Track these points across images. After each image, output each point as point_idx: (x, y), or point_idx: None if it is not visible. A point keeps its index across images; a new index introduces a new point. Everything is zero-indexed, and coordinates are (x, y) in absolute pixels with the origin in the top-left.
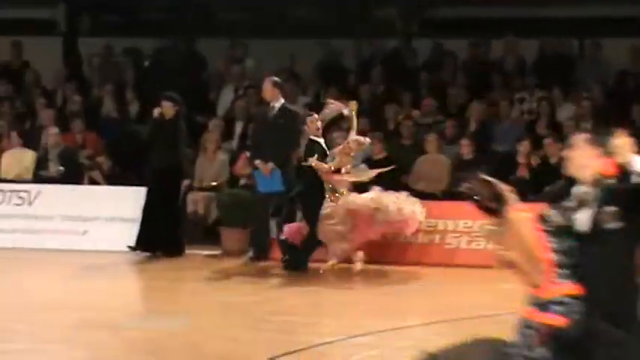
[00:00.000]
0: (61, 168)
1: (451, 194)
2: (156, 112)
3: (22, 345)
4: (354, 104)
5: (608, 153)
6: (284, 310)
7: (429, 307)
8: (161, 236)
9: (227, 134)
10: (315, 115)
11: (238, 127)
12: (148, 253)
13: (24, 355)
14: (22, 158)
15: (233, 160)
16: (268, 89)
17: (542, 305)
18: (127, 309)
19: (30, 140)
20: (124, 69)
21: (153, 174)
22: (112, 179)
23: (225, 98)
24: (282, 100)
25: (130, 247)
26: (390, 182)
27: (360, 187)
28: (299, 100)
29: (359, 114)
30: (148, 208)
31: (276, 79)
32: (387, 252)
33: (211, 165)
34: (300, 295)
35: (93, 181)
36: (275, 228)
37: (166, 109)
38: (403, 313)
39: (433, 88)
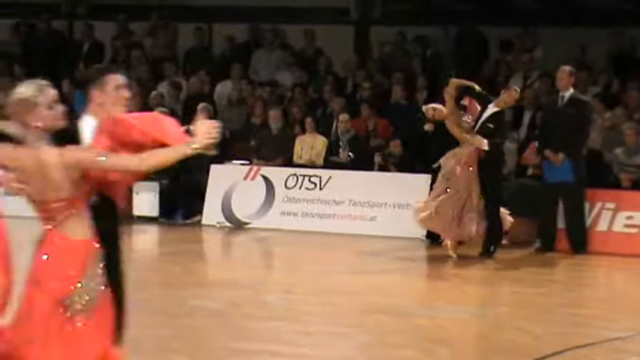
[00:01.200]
0: (351, 154)
1: None
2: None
3: (313, 327)
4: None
5: None
6: (573, 303)
7: None
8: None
9: (515, 123)
10: None
11: (527, 116)
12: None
13: (317, 337)
14: (315, 144)
15: (521, 149)
16: (564, 78)
17: None
18: (415, 296)
19: (322, 126)
20: (414, 57)
21: None
22: (402, 166)
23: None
24: (572, 90)
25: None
26: None
27: None
28: (589, 90)
29: None
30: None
31: (570, 68)
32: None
33: None
34: (588, 288)
35: (382, 168)
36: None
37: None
38: None
39: None
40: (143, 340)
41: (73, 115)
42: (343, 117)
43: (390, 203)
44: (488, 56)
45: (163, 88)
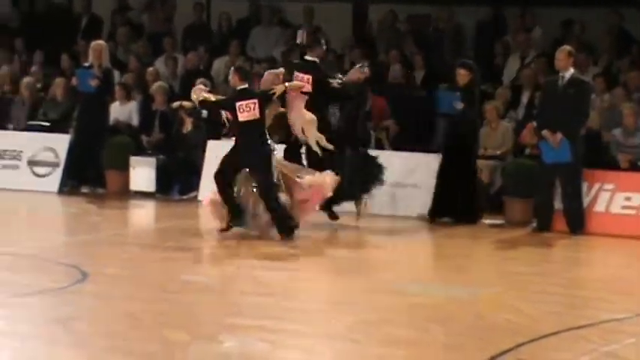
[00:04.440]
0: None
1: None
2: None
3: (303, 304)
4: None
5: None
6: (570, 284)
7: None
8: (457, 203)
9: (513, 103)
10: None
11: (525, 96)
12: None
13: (311, 314)
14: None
15: (518, 129)
16: (562, 58)
17: None
18: (411, 274)
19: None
20: (411, 35)
21: (447, 140)
22: (398, 144)
23: (511, 66)
24: (572, 70)
25: (426, 216)
26: None
27: None
28: (589, 70)
29: None
30: (443, 174)
31: (569, 48)
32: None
33: (495, 133)
34: (585, 269)
35: (381, 146)
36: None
37: (461, 76)
38: None
39: None
40: (140, 314)
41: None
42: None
43: (387, 181)
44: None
45: (160, 63)
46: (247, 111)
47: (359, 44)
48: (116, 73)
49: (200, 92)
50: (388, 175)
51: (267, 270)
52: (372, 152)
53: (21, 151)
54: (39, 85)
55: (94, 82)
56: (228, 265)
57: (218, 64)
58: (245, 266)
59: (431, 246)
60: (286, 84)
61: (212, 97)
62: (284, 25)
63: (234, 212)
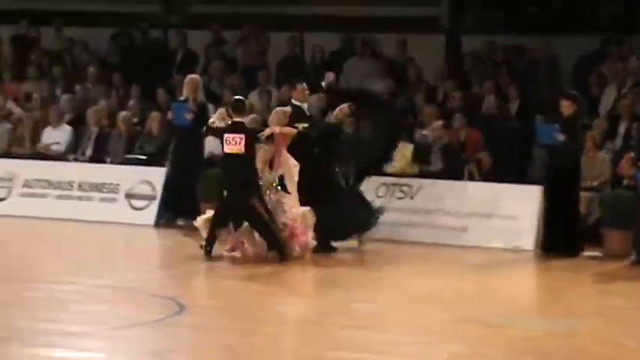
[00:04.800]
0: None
1: None
2: None
3: (398, 337)
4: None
5: None
6: None
7: None
8: (560, 236)
9: (610, 133)
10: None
11: (622, 127)
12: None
13: (400, 346)
14: (405, 153)
15: (616, 160)
16: None
17: None
18: (506, 306)
19: (411, 134)
20: (505, 66)
21: (549, 172)
22: (491, 176)
23: (608, 97)
24: None
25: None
26: None
27: None
28: None
29: None
30: (548, 207)
31: None
32: None
33: (593, 164)
34: None
35: (473, 177)
36: None
37: (565, 107)
38: None
39: None
40: (237, 347)
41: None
42: (437, 125)
43: (482, 213)
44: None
45: (254, 96)
46: (232, 144)
47: (452, 75)
48: (211, 107)
49: (218, 117)
50: (482, 207)
51: (358, 301)
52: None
53: (118, 184)
54: (135, 119)
55: (189, 116)
56: (322, 296)
57: (311, 98)
58: (336, 297)
59: (527, 278)
60: (277, 128)
61: (217, 124)
62: (377, 57)
63: (207, 241)
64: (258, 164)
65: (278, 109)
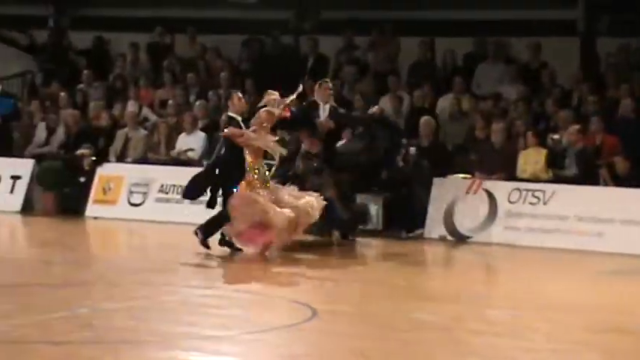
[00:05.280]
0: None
1: None
2: None
3: (539, 345)
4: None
5: None
6: None
7: None
8: None
9: None
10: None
11: None
12: None
13: (539, 353)
14: (538, 158)
15: None
16: None
17: None
18: None
19: (545, 140)
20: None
21: None
22: (627, 181)
23: None
24: None
25: None
26: None
27: None
28: None
29: None
30: None
31: None
32: None
33: None
34: None
35: (605, 182)
36: None
37: None
38: None
39: None
40: (370, 352)
41: None
42: (573, 129)
43: (618, 219)
44: None
45: (385, 101)
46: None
47: (587, 79)
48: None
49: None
50: (618, 212)
51: (491, 308)
52: None
53: None
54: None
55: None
56: (455, 302)
57: (442, 102)
58: (469, 303)
59: None
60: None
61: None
62: (509, 62)
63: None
64: (248, 160)
65: (266, 108)
